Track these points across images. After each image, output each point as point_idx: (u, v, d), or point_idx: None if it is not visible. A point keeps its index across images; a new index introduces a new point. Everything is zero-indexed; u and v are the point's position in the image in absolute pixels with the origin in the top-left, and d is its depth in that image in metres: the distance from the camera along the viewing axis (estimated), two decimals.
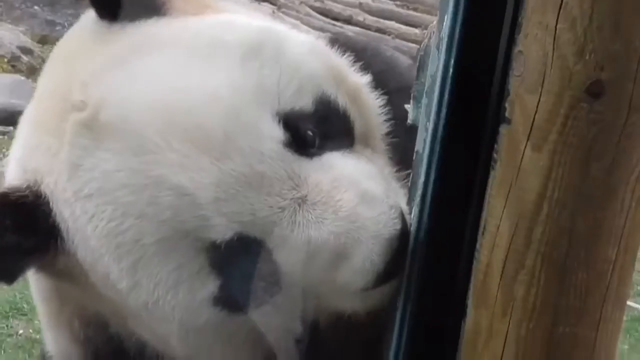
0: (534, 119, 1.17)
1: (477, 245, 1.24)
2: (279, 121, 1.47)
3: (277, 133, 1.45)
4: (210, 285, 1.49)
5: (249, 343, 1.65)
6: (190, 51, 1.53)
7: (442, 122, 1.25)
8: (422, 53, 1.40)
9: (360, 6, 12.36)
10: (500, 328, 1.21)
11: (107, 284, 1.52)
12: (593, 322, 1.22)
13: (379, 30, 11.35)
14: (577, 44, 1.13)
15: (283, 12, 10.90)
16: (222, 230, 1.42)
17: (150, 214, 1.42)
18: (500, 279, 1.21)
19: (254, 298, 1.50)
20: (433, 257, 1.28)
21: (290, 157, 1.45)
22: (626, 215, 1.20)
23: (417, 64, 1.41)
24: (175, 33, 1.56)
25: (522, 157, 1.18)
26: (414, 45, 10.91)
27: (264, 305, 1.51)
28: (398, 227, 1.38)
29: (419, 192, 1.28)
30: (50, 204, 1.49)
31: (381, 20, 11.74)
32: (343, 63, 1.74)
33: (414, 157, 1.32)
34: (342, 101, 1.62)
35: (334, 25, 11.16)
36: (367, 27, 11.41)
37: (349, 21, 11.66)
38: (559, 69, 1.15)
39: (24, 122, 1.71)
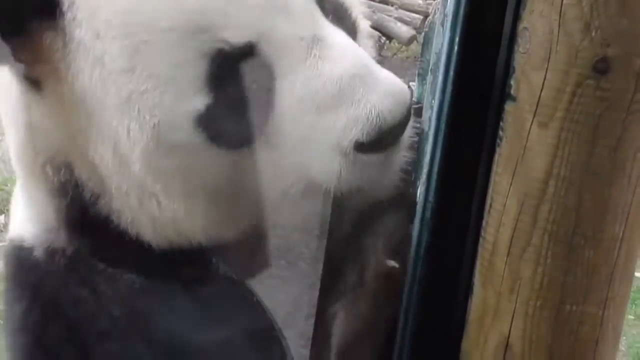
0: (540, 96, 1.16)
1: (483, 224, 1.24)
2: None
3: None
4: (199, 100, 1.45)
5: (215, 194, 1.59)
6: None
7: (447, 99, 1.24)
8: (426, 29, 1.39)
9: None
10: (507, 306, 1.21)
11: (96, 71, 1.47)
12: (600, 300, 1.22)
13: (382, 1, 11.24)
14: (583, 20, 1.12)
15: None
16: (238, 33, 1.40)
17: (168, 19, 1.39)
18: (507, 257, 1.20)
19: (239, 133, 1.47)
20: (439, 235, 1.27)
21: (315, 5, 1.45)
22: (633, 192, 1.19)
23: (422, 41, 1.40)
24: None
25: (528, 135, 1.18)
26: (417, 15, 10.86)
27: (246, 145, 1.48)
28: (410, 98, 1.37)
29: (425, 170, 1.27)
30: None
31: None
32: None
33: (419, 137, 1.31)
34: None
35: None
36: None
37: None
38: (565, 45, 1.14)
39: None
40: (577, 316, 1.21)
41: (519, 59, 1.19)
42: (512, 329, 1.21)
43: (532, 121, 1.17)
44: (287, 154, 1.47)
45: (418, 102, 1.37)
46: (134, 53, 1.42)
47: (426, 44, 1.39)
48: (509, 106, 1.20)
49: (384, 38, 10.37)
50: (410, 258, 1.29)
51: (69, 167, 1.65)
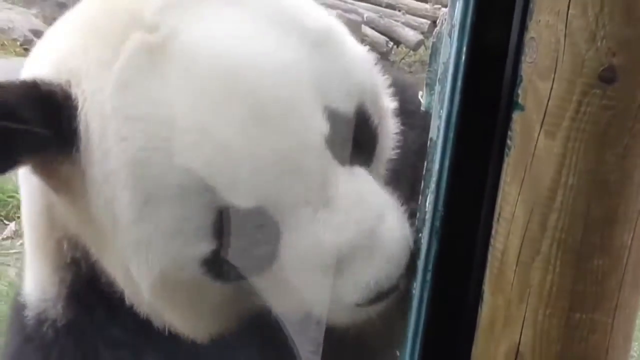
0: (547, 105, 1.17)
1: (493, 232, 1.24)
2: (327, 117, 1.45)
3: (324, 128, 1.44)
4: (205, 246, 1.47)
5: (218, 311, 1.65)
6: (271, 17, 1.51)
7: (455, 109, 1.25)
8: (434, 40, 1.39)
9: None
10: (517, 314, 1.21)
11: (107, 209, 1.50)
12: (610, 308, 1.22)
13: (389, 5, 11.28)
14: (588, 30, 1.12)
15: None
16: (244, 199, 1.42)
17: (184, 158, 1.40)
18: (516, 266, 1.21)
19: (243, 271, 1.52)
20: (448, 244, 1.28)
21: (328, 156, 1.45)
22: None
23: (430, 51, 1.40)
24: None
25: (535, 144, 1.18)
26: (424, 20, 10.89)
27: (249, 284, 1.55)
28: (408, 256, 1.40)
29: (434, 179, 1.28)
30: (79, 109, 1.45)
31: None
32: (381, 83, 1.73)
33: (427, 145, 1.32)
34: (375, 119, 1.62)
35: (344, 1, 11.07)
36: (377, 3, 11.34)
37: None
38: (571, 55, 1.14)
39: (62, 25, 1.67)
40: (587, 324, 1.21)
41: (526, 69, 1.19)
42: (522, 336, 1.21)
43: (540, 130, 1.18)
44: (288, 290, 1.53)
45: (427, 111, 1.37)
46: (142, 205, 1.45)
47: (434, 54, 1.39)
48: (516, 115, 1.21)
49: (391, 43, 10.38)
50: (420, 266, 1.30)
51: (85, 248, 1.67)
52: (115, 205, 1.46)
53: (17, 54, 9.35)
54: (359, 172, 1.53)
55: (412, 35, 10.42)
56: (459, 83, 1.24)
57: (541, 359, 1.22)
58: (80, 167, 1.48)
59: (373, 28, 10.34)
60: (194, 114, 1.39)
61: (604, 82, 1.13)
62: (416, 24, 10.72)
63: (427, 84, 1.40)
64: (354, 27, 9.78)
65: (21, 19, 10.06)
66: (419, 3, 11.14)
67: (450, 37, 1.26)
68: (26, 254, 1.93)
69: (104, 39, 1.48)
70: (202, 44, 1.42)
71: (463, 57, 1.24)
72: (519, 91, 1.20)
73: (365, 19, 10.29)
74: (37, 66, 1.60)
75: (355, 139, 1.54)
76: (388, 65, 10.55)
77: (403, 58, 10.62)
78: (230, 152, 1.39)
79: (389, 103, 1.73)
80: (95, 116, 1.43)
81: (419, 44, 10.42)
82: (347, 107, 1.52)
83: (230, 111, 1.38)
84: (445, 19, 1.31)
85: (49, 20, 10.58)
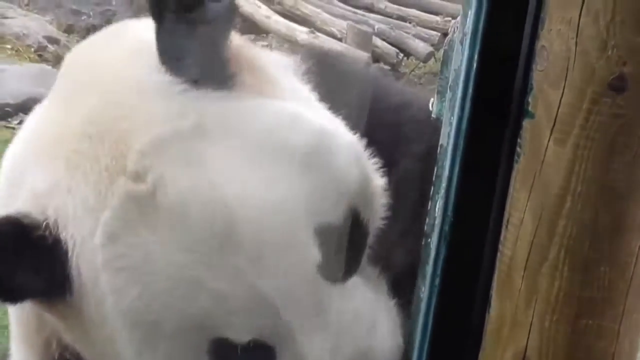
0: (557, 113, 1.17)
1: (501, 238, 1.24)
2: (317, 241, 1.42)
3: (316, 256, 1.42)
4: None
5: None
6: (258, 146, 1.43)
7: (466, 115, 1.25)
8: (446, 47, 1.40)
9: None
10: (524, 320, 1.22)
11: (105, 342, 1.48)
12: (616, 314, 1.22)
13: (400, 17, 11.29)
14: (599, 39, 1.13)
15: (305, 0, 10.83)
16: (240, 335, 1.40)
17: (179, 307, 1.38)
18: (524, 272, 1.21)
19: None
20: (457, 249, 1.28)
21: (320, 281, 1.43)
22: None
23: (442, 59, 1.41)
24: (245, 121, 1.45)
25: (545, 151, 1.19)
26: (434, 32, 10.89)
27: None
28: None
29: (444, 184, 1.28)
30: (70, 254, 1.40)
31: (402, 8, 11.67)
32: (371, 166, 1.63)
33: (438, 152, 1.32)
34: (366, 214, 1.57)
35: (355, 12, 11.09)
36: (388, 15, 11.35)
37: (370, 9, 11.58)
38: (581, 63, 1.15)
39: (38, 143, 1.54)
40: (594, 330, 1.21)
41: (536, 77, 1.20)
42: (529, 342, 1.22)
43: (550, 138, 1.18)
44: None
45: (437, 118, 1.38)
46: (139, 346, 1.43)
47: (445, 61, 1.40)
48: (527, 123, 1.21)
49: (401, 54, 10.38)
50: (428, 272, 1.30)
51: (76, 351, 1.62)
52: (115, 340, 1.45)
53: (31, 60, 9.37)
54: (353, 285, 1.52)
55: (422, 47, 10.43)
56: (470, 90, 1.25)
57: None
58: (75, 307, 1.45)
59: (384, 39, 10.35)
60: (188, 265, 1.35)
61: (614, 90, 1.14)
62: (426, 36, 10.73)
63: (438, 92, 1.41)
64: (365, 39, 9.81)
65: (35, 26, 10.08)
66: (430, 15, 11.16)
67: (462, 45, 1.27)
68: (11, 341, 1.87)
69: (87, 180, 1.41)
70: (190, 193, 1.36)
71: (474, 65, 1.24)
72: (530, 99, 1.21)
73: (376, 30, 10.29)
74: (18, 194, 1.52)
75: (347, 247, 1.51)
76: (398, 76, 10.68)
77: (413, 70, 10.61)
78: (226, 299, 1.37)
79: (380, 181, 1.63)
80: (86, 264, 1.40)
81: (429, 55, 10.42)
82: (338, 216, 1.48)
83: (225, 259, 1.36)
84: (457, 27, 1.31)
85: (63, 27, 10.65)
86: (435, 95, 1.42)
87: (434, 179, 1.33)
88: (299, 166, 1.43)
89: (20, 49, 9.64)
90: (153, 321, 1.39)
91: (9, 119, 7.99)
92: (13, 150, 1.63)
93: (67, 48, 9.93)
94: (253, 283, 1.36)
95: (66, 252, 1.40)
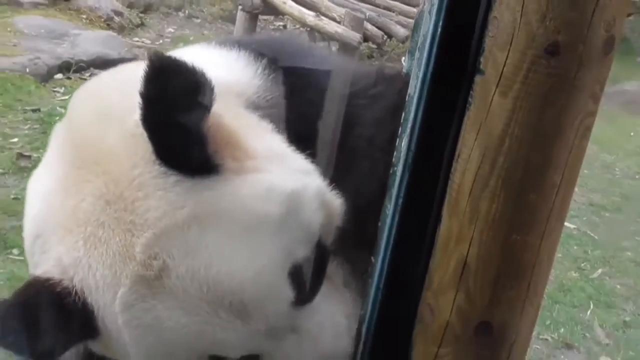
0: (502, 71, 1.15)
1: (452, 169, 1.22)
2: (290, 280, 1.38)
3: (289, 295, 1.38)
4: None
5: None
6: (242, 226, 1.35)
7: (429, 71, 1.23)
8: (417, 17, 1.36)
9: None
10: (467, 234, 1.20)
11: None
12: (539, 233, 1.21)
13: (386, 7, 11.15)
14: (540, 12, 1.11)
15: None
16: (234, 354, 1.40)
17: (184, 347, 1.38)
18: (469, 196, 1.19)
19: None
20: (417, 177, 1.26)
21: (293, 312, 1.41)
22: (570, 150, 1.18)
23: (413, 26, 1.37)
24: (230, 204, 1.36)
25: (491, 102, 1.16)
26: (411, 20, 10.75)
27: None
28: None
29: (409, 125, 1.25)
30: (96, 315, 1.38)
31: (388, 0, 11.51)
32: (333, 197, 1.51)
33: (406, 99, 1.28)
34: (328, 239, 1.51)
35: (351, 2, 10.94)
36: (377, 5, 11.21)
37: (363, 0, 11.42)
38: (524, 31, 1.12)
39: (53, 204, 1.46)
40: (521, 245, 1.20)
41: (488, 41, 1.17)
42: (469, 252, 1.21)
43: (495, 91, 1.16)
44: None
45: (407, 73, 1.34)
46: None
47: (416, 27, 1.37)
48: (478, 78, 1.19)
49: (385, 36, 10.28)
50: (393, 194, 1.28)
51: None
52: None
53: (101, 27, 9.40)
54: (317, 302, 1.48)
55: (402, 32, 10.31)
56: (434, 51, 1.22)
57: (483, 269, 1.21)
58: (105, 343, 1.44)
59: (373, 24, 10.23)
60: (190, 323, 1.32)
61: (549, 54, 1.12)
62: (405, 23, 10.59)
63: (409, 51, 1.38)
64: (358, 23, 9.71)
65: (105, 1, 10.07)
66: (409, 7, 11.01)
67: (429, 15, 1.23)
68: None
69: (104, 262, 1.36)
70: (189, 275, 1.31)
71: (439, 30, 1.21)
72: (481, 59, 1.18)
73: (367, 16, 10.16)
74: (45, 259, 1.45)
75: (312, 272, 1.46)
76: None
77: (394, 49, 10.49)
78: (222, 340, 1.35)
79: (338, 203, 1.51)
80: (109, 322, 1.37)
81: (406, 38, 10.29)
82: (307, 253, 1.42)
83: (218, 317, 1.32)
84: (426, 1, 1.27)
85: (126, 3, 10.54)
86: (407, 55, 1.38)
87: (402, 121, 1.29)
88: (275, 230, 1.38)
89: (93, 19, 9.64)
90: (163, 355, 1.40)
91: (83, 72, 7.95)
92: (33, 214, 1.54)
93: (128, 19, 9.91)
94: (241, 328, 1.34)
95: (92, 312, 1.38)
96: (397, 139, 1.30)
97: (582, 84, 1.14)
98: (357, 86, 1.69)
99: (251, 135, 1.47)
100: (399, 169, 1.27)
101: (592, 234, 6.23)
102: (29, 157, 5.67)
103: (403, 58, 1.40)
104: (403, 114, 1.29)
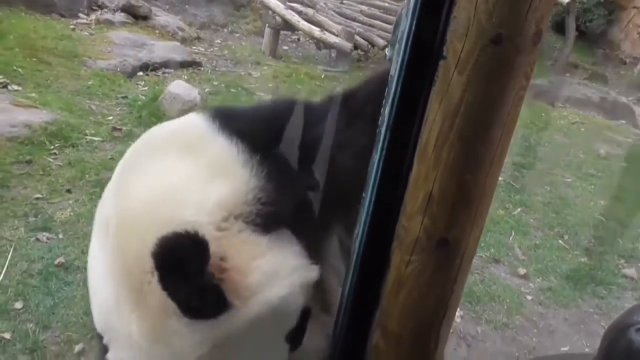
0: (459, 56, 1.09)
1: (422, 128, 1.17)
2: (285, 346, 1.29)
3: (285, 354, 1.30)
4: None
5: None
6: (251, 345, 1.21)
7: (406, 58, 1.17)
8: (397, 18, 1.30)
9: None
10: (432, 175, 1.16)
11: None
12: (485, 173, 1.17)
13: (370, 24, 10.89)
14: (487, 12, 1.05)
15: (318, 12, 10.42)
16: None
17: None
18: (434, 148, 1.15)
19: None
20: (395, 135, 1.21)
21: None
22: (508, 113, 1.14)
23: (394, 24, 1.31)
24: (241, 335, 1.18)
25: (450, 79, 1.11)
26: (388, 34, 10.56)
27: None
28: None
29: (390, 98, 1.20)
30: None
31: (372, 21, 11.23)
32: (311, 268, 1.32)
33: (389, 79, 1.23)
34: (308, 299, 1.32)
35: (345, 20, 10.68)
36: (364, 23, 10.96)
37: (353, 19, 11.14)
38: (476, 26, 1.07)
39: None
40: (471, 182, 1.16)
41: (449, 35, 1.11)
42: (433, 187, 1.17)
43: (454, 71, 1.11)
44: None
45: (390, 59, 1.28)
46: None
47: (396, 25, 1.31)
48: (441, 62, 1.13)
49: (370, 45, 10.08)
50: (378, 146, 1.23)
51: None
52: None
53: (169, 39, 9.31)
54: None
55: (381, 42, 10.01)
56: (410, 42, 1.16)
57: (443, 200, 1.17)
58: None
59: (361, 37, 10.01)
60: None
61: (494, 43, 1.06)
62: (384, 36, 10.36)
63: (391, 44, 1.32)
64: (350, 35, 9.52)
65: (172, 20, 9.90)
66: (387, 25, 10.75)
67: (406, 16, 1.17)
68: None
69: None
70: None
71: (413, 28, 1.15)
72: (444, 48, 1.12)
73: (356, 31, 9.95)
74: None
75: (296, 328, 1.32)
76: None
77: (375, 55, 10.31)
78: None
79: (314, 274, 1.32)
80: None
81: (385, 46, 10.07)
82: (296, 321, 1.29)
83: None
84: (404, 6, 1.21)
85: (187, 22, 10.38)
86: (389, 47, 1.32)
87: (385, 95, 1.24)
88: (274, 330, 1.26)
89: (163, 33, 9.50)
90: None
91: (157, 70, 7.87)
92: None
93: (189, 33, 9.77)
94: None
95: None
96: (382, 109, 1.25)
97: (518, 66, 1.09)
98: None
99: (245, 262, 1.21)
100: (382, 129, 1.23)
101: (514, 184, 6.18)
102: (120, 129, 5.65)
103: (387, 49, 1.35)
104: (387, 89, 1.24)
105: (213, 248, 1.10)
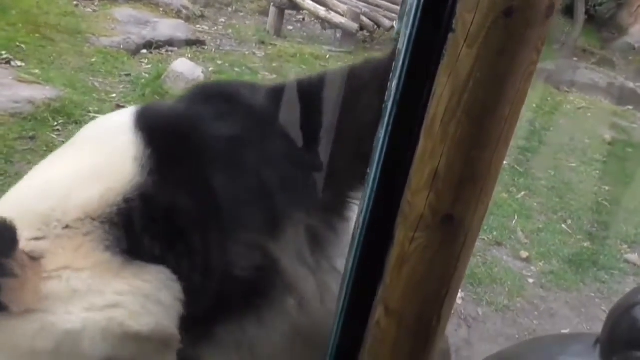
0: (469, 29, 1.07)
1: (429, 104, 1.15)
2: None
3: None
4: None
5: None
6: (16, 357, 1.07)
7: (414, 31, 1.14)
8: None
9: None
10: (438, 150, 1.15)
11: None
12: (491, 150, 1.15)
13: (376, 5, 10.74)
14: None
15: None
16: None
17: None
18: (441, 123, 1.13)
19: None
20: (402, 110, 1.19)
21: None
22: (517, 90, 1.11)
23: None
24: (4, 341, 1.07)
25: (460, 52, 1.09)
26: (395, 15, 10.43)
27: None
28: None
29: (397, 72, 1.18)
30: None
31: (378, 1, 11.11)
32: (136, 326, 1.14)
33: (396, 48, 1.21)
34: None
35: (351, 0, 10.56)
36: (370, 3, 10.81)
37: None
38: None
39: None
40: (477, 159, 1.15)
41: (459, 7, 1.08)
42: (439, 163, 1.15)
43: (463, 44, 1.08)
44: None
45: (397, 33, 1.26)
46: None
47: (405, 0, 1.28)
48: (450, 36, 1.10)
49: (375, 26, 9.96)
50: (384, 121, 1.21)
51: None
52: None
53: (173, 17, 9.26)
54: None
55: (387, 23, 9.88)
56: (418, 16, 1.13)
57: (449, 176, 1.16)
58: None
59: (366, 17, 9.88)
60: None
61: (505, 16, 1.04)
62: (390, 17, 10.22)
63: (400, 17, 1.30)
64: (356, 16, 9.40)
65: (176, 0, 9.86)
66: (394, 5, 10.61)
67: None
68: None
69: None
70: None
71: (422, 1, 1.12)
72: (454, 21, 1.09)
73: (362, 11, 9.81)
74: None
75: None
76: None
77: (381, 36, 10.18)
78: None
79: (135, 330, 1.13)
80: None
81: (391, 27, 9.92)
82: None
83: None
84: None
85: (191, 0, 10.27)
86: (398, 20, 1.30)
87: (392, 68, 1.22)
88: None
89: (167, 11, 9.44)
90: None
91: (160, 48, 7.82)
92: None
93: (192, 12, 9.66)
94: None
95: None
96: (389, 83, 1.23)
97: (528, 40, 1.06)
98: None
99: (56, 269, 1.09)
100: (389, 104, 1.21)
101: (518, 168, 6.15)
102: (124, 106, 5.62)
103: (394, 22, 1.31)
104: (394, 64, 1.22)
105: (34, 245, 1.04)
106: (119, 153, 1.23)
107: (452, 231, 1.20)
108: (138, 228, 1.17)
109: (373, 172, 1.26)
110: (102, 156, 1.24)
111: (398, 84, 1.18)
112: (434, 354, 1.34)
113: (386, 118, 1.21)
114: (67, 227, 1.13)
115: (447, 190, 1.16)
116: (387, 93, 1.23)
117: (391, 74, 1.23)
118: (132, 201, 1.17)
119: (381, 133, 1.23)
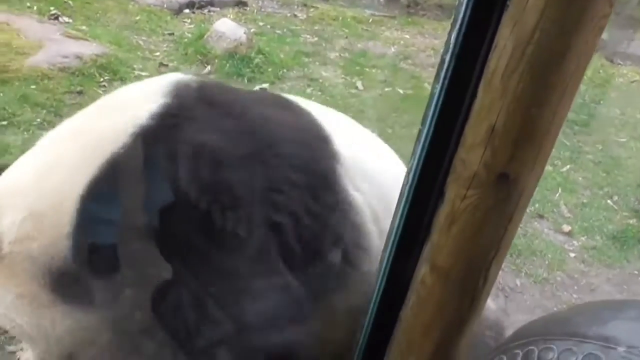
0: None
1: (490, 56, 1.11)
2: None
3: None
4: None
5: None
6: None
7: None
8: None
9: None
10: (497, 106, 1.11)
11: None
12: (552, 108, 1.11)
13: None
14: None
15: None
16: None
17: None
18: (501, 77, 1.09)
19: None
20: (461, 63, 1.15)
21: None
22: (585, 44, 1.06)
23: None
24: None
25: (527, 1, 1.04)
26: None
27: None
28: None
29: (458, 23, 1.13)
30: None
31: None
32: None
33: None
34: None
35: None
36: None
37: None
38: None
39: None
40: (537, 116, 1.10)
41: None
42: (497, 120, 1.12)
43: None
44: None
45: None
46: None
47: None
48: None
49: None
50: (441, 75, 1.17)
51: None
52: None
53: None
54: None
55: None
56: None
57: (507, 133, 1.12)
58: None
59: None
60: None
61: None
62: None
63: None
64: None
65: None
66: None
67: None
68: None
69: None
70: None
71: None
72: None
73: None
74: None
75: None
76: None
77: (426, 1, 9.85)
78: None
79: None
80: None
81: None
82: None
83: None
84: None
85: None
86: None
87: (452, 22, 1.17)
88: None
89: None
90: None
91: (202, 9, 7.85)
92: None
93: None
94: None
95: None
96: (448, 35, 1.19)
97: None
98: None
99: None
100: (447, 58, 1.17)
101: (564, 141, 5.97)
102: (167, 65, 5.68)
103: None
104: (453, 16, 1.17)
105: None
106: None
107: (506, 190, 1.17)
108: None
109: (426, 128, 1.23)
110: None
111: (457, 36, 1.13)
112: (478, 314, 1.33)
113: (443, 72, 1.17)
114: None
115: (504, 148, 1.13)
116: (445, 46, 1.19)
117: (450, 26, 1.18)
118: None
119: (436, 88, 1.19)
